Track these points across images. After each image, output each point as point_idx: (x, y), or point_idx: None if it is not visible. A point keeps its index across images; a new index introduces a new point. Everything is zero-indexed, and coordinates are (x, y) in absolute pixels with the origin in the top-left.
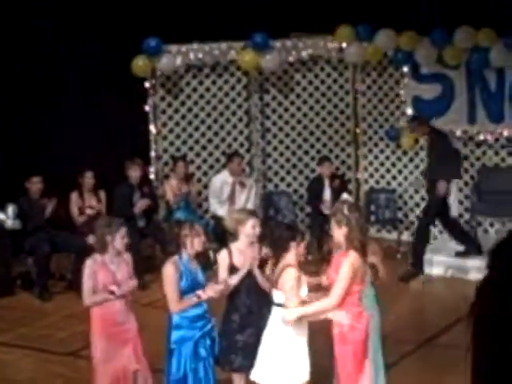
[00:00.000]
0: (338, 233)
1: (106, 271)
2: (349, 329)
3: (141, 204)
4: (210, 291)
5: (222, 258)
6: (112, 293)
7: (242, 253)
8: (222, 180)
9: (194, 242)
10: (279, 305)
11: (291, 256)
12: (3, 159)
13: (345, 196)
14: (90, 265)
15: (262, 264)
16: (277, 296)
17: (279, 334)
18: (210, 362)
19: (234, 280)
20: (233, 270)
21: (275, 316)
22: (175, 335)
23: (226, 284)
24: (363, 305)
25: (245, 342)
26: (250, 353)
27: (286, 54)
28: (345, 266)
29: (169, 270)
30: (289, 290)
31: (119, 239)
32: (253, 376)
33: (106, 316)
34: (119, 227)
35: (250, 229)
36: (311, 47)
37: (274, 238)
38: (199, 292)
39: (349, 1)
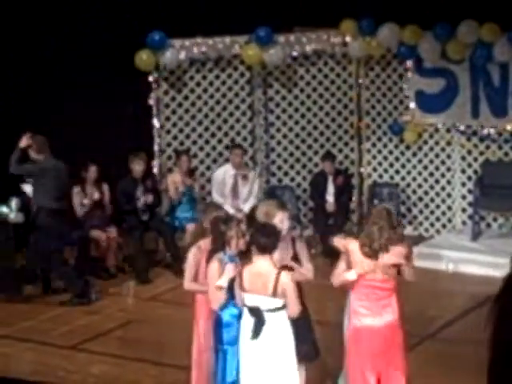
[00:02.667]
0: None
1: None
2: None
3: (143, 199)
4: None
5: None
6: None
7: None
8: (223, 173)
9: (239, 243)
10: (273, 310)
11: (269, 262)
12: (5, 152)
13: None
14: (194, 252)
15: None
16: (273, 302)
17: (273, 340)
18: None
19: None
20: None
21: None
22: (227, 335)
23: None
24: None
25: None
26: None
27: (289, 49)
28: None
29: (214, 267)
30: (292, 293)
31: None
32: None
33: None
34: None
35: (277, 223)
36: (315, 41)
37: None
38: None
39: None
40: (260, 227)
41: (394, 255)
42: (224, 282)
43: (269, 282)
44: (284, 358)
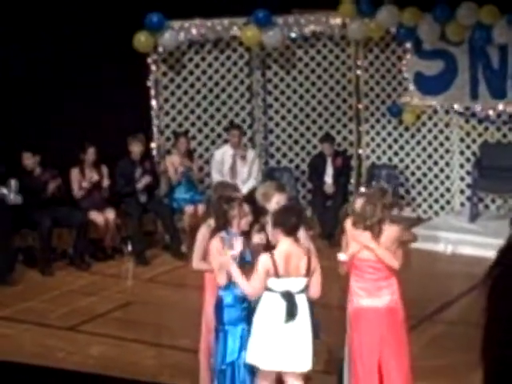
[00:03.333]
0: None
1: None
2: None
3: (144, 181)
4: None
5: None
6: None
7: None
8: (222, 153)
9: (242, 222)
10: (301, 291)
11: (296, 242)
12: (3, 135)
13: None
14: (203, 232)
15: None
16: (301, 283)
17: (304, 320)
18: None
19: None
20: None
21: (300, 303)
22: (228, 315)
23: None
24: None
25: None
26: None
27: (288, 30)
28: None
29: (215, 244)
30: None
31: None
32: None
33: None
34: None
35: (274, 205)
36: (313, 23)
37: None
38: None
39: None
40: (285, 208)
41: (384, 236)
42: (235, 252)
43: (301, 262)
44: (306, 336)
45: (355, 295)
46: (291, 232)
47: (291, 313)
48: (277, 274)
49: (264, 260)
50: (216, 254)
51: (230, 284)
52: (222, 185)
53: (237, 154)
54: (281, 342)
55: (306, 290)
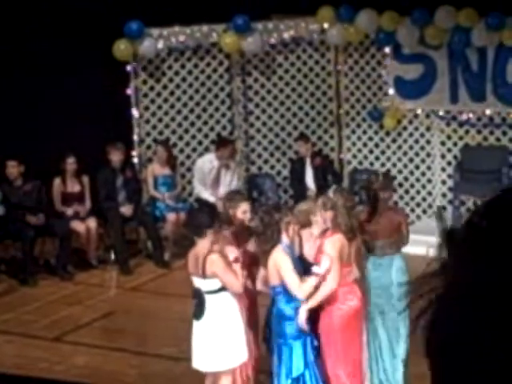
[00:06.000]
0: (324, 216)
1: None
2: (330, 310)
3: (123, 210)
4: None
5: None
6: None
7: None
8: (208, 163)
9: (295, 229)
10: (212, 292)
11: (207, 242)
12: None
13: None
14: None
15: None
16: (209, 284)
17: (214, 320)
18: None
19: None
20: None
21: (212, 303)
22: (290, 328)
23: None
24: (354, 286)
25: None
26: None
27: (267, 36)
28: (327, 247)
29: (284, 258)
30: (223, 272)
31: (240, 213)
32: (195, 364)
33: None
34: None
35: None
36: (293, 29)
37: (194, 223)
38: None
39: None
40: (196, 209)
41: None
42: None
43: (198, 262)
44: (213, 336)
45: (346, 300)
46: (198, 232)
47: (196, 311)
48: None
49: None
50: (290, 268)
51: (292, 296)
52: (240, 195)
53: (222, 164)
54: (193, 340)
55: (220, 291)
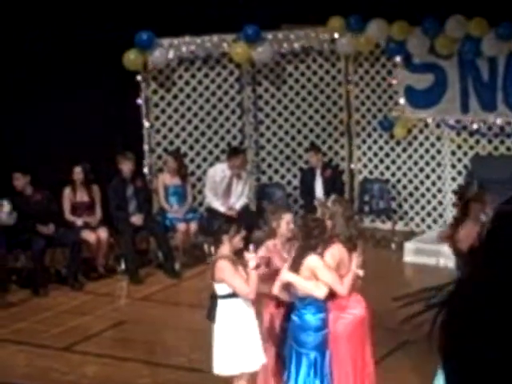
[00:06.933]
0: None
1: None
2: (333, 319)
3: (136, 219)
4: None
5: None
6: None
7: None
8: (220, 173)
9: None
10: (223, 297)
11: (225, 248)
12: None
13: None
14: (263, 253)
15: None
16: (219, 289)
17: (228, 325)
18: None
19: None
20: None
21: (221, 308)
22: (318, 339)
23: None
24: (357, 295)
25: None
26: None
27: (277, 46)
28: (327, 257)
29: (326, 261)
30: (231, 277)
31: (284, 224)
32: (215, 370)
33: None
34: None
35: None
36: (303, 38)
37: (214, 230)
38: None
39: None
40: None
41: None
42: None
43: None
44: (221, 341)
45: (349, 308)
46: (215, 239)
47: (208, 314)
48: None
49: None
50: (330, 269)
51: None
52: (283, 208)
53: (234, 174)
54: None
55: (232, 296)
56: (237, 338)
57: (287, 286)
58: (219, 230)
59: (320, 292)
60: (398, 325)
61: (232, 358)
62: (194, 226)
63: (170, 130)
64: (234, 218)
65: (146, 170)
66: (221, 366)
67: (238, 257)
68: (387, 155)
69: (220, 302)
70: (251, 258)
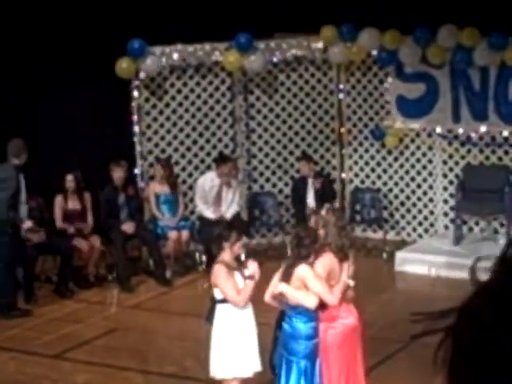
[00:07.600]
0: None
1: None
2: (324, 329)
3: (128, 227)
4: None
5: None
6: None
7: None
8: (209, 181)
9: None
10: (221, 301)
11: (226, 255)
12: None
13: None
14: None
15: None
16: (217, 293)
17: (225, 329)
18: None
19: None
20: None
21: (219, 312)
22: (309, 348)
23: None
24: (349, 305)
25: None
26: None
27: (269, 55)
28: (318, 267)
29: (316, 271)
30: (223, 283)
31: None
32: (210, 372)
33: None
34: None
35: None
36: (295, 47)
37: (214, 237)
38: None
39: (332, 1)
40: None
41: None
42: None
43: None
44: (215, 343)
45: (339, 318)
46: (216, 245)
47: (207, 316)
48: None
49: None
50: (321, 279)
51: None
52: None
53: (223, 182)
54: None
55: (227, 301)
56: (232, 343)
57: (278, 295)
58: (220, 237)
59: (310, 302)
60: (409, 339)
61: (226, 362)
62: (185, 234)
63: (162, 138)
64: (228, 223)
65: (137, 178)
66: (215, 368)
67: (238, 264)
68: (379, 164)
69: (218, 306)
70: (254, 267)
